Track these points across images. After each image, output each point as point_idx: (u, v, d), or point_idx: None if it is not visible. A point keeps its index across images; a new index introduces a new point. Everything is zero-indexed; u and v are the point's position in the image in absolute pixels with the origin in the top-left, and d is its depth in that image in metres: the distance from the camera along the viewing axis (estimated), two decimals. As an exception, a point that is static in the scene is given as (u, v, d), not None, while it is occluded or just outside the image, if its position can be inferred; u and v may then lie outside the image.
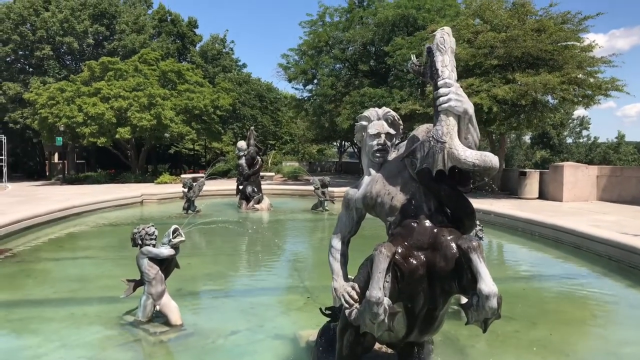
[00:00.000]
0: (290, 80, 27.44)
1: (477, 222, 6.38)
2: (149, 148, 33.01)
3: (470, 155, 3.27)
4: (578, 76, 17.62)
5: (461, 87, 13.19)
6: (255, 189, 16.38)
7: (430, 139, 3.36)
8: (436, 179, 3.45)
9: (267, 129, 36.04)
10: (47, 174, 40.33)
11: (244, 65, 48.53)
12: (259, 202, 16.04)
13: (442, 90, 3.30)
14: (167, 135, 30.13)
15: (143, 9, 42.96)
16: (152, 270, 5.49)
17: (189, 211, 14.85)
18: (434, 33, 3.47)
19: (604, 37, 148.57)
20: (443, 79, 3.31)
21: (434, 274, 3.40)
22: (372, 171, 3.91)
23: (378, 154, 3.89)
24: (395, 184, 3.66)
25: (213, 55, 44.51)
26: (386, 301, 3.19)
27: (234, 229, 12.42)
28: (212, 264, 9.21)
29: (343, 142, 38.81)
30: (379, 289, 3.14)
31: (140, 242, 5.59)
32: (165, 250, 5.54)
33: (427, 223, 3.50)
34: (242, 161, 16.71)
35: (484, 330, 3.31)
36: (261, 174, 30.54)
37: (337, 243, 4.12)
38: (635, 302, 6.90)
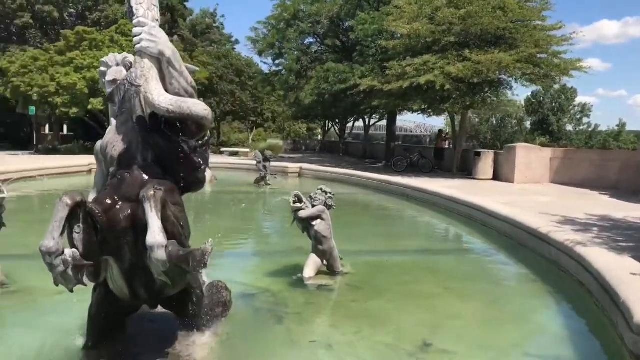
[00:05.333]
0: (260, 54, 27.09)
1: (328, 190, 6.24)
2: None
3: (164, 101, 3.07)
4: (537, 55, 17.20)
5: (417, 64, 12.90)
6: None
7: (125, 81, 3.16)
8: (147, 127, 3.25)
9: (245, 105, 35.68)
10: (36, 144, 40.17)
11: (237, 42, 47.96)
12: (202, 174, 15.80)
13: (135, 30, 3.09)
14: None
15: (130, -20, 42.24)
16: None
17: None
18: None
19: (617, 24, 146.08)
20: (137, 17, 3.09)
21: (139, 227, 3.22)
22: (113, 120, 3.71)
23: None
24: (120, 133, 3.47)
25: (202, 30, 43.95)
26: (69, 252, 3.02)
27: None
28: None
29: (327, 122, 38.44)
30: (52, 239, 2.94)
31: (-41, 197, 5.45)
32: (-20, 206, 5.41)
33: (140, 174, 3.32)
34: (189, 133, 16.43)
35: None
36: (238, 149, 30.50)
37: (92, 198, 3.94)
38: (494, 278, 6.71)
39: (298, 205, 5.95)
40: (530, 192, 14.14)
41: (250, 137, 37.49)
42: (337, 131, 36.17)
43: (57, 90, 27.85)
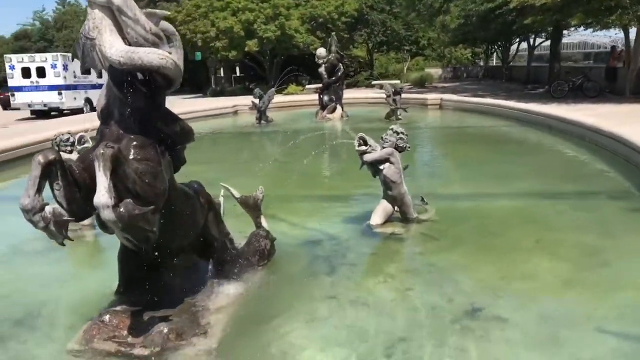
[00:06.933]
0: (404, -23, 25.32)
1: (400, 130, 5.66)
2: (284, 59, 33.83)
3: (115, 52, 2.90)
4: None
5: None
6: (333, 98, 15.99)
7: (81, 35, 3.03)
8: (115, 80, 3.14)
9: (398, 34, 34.15)
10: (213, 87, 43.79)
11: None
12: (332, 111, 15.71)
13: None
14: (296, 48, 30.35)
15: None
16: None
17: (261, 121, 15.25)
18: None
19: None
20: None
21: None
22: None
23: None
24: (105, 88, 3.42)
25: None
26: (49, 209, 3.10)
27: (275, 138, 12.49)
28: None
29: (490, 46, 35.29)
30: (27, 197, 3.03)
31: (57, 148, 6.06)
32: (74, 157, 5.94)
33: (117, 129, 3.26)
34: (322, 69, 16.33)
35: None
36: (388, 82, 29.75)
37: None
38: (608, 230, 5.53)
39: (363, 148, 5.50)
40: None
41: (405, 67, 36.17)
42: (500, 55, 33.09)
43: (217, 34, 29.67)
